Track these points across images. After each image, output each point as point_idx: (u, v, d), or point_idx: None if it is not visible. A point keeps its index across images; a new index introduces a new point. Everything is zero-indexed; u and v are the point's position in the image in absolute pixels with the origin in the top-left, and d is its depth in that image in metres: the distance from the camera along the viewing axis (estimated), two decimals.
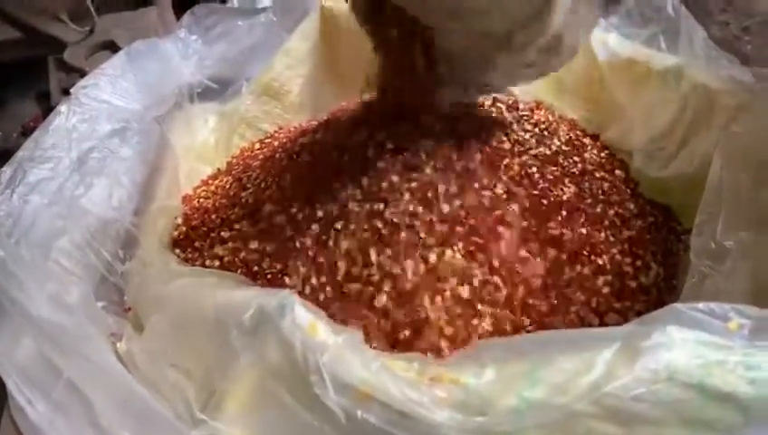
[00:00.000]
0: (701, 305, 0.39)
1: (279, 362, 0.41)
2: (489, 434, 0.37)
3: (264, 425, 0.42)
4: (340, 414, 0.39)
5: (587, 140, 0.73)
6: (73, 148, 0.60)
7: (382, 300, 0.52)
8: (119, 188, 0.62)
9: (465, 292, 0.53)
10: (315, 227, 0.57)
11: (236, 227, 0.62)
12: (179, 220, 0.68)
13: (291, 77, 0.84)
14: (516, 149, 0.64)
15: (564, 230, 0.58)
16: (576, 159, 0.67)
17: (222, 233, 0.62)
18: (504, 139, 0.66)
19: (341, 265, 0.54)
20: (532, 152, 0.65)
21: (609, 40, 0.75)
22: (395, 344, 0.51)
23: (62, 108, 0.62)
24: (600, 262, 0.58)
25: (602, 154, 0.72)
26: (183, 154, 0.73)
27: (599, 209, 0.62)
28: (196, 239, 0.64)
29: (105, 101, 0.65)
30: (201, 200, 0.71)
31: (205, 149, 0.79)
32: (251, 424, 0.43)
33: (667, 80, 0.69)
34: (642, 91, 0.72)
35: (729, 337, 0.37)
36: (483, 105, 0.73)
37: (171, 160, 0.69)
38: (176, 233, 0.66)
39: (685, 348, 0.37)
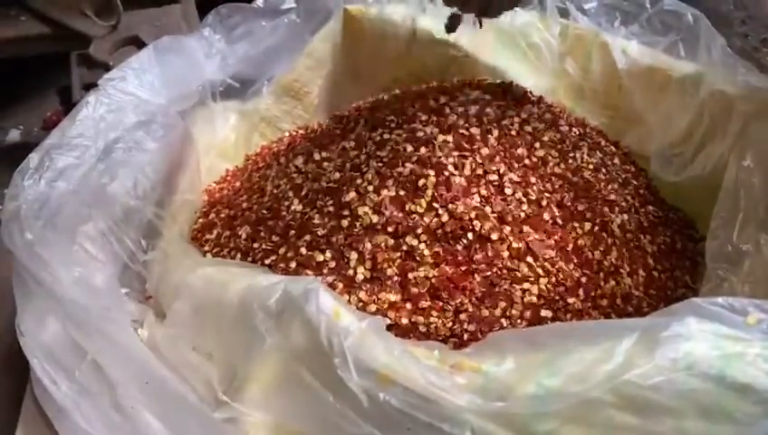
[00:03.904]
0: (720, 300, 0.39)
1: (304, 345, 0.42)
2: (508, 419, 0.38)
3: (287, 407, 0.43)
4: (363, 397, 0.39)
5: (613, 148, 0.74)
6: (100, 137, 0.60)
7: None
8: (142, 178, 0.62)
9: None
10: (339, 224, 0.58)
11: (255, 222, 0.63)
12: (199, 214, 0.69)
13: (312, 78, 0.84)
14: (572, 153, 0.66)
15: (612, 246, 0.59)
16: (612, 167, 0.68)
17: (240, 228, 0.63)
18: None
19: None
20: (585, 157, 0.66)
21: (629, 48, 0.76)
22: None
23: (90, 98, 0.62)
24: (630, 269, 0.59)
25: (628, 162, 0.73)
26: (204, 150, 0.74)
27: (634, 218, 0.63)
28: (215, 233, 0.65)
29: (131, 93, 0.65)
30: (221, 195, 0.72)
31: (225, 145, 0.79)
32: (273, 406, 0.43)
33: (686, 86, 0.69)
34: (661, 97, 0.72)
35: (747, 331, 0.38)
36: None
37: (193, 155, 0.69)
38: (196, 226, 0.67)
39: (703, 339, 0.37)
